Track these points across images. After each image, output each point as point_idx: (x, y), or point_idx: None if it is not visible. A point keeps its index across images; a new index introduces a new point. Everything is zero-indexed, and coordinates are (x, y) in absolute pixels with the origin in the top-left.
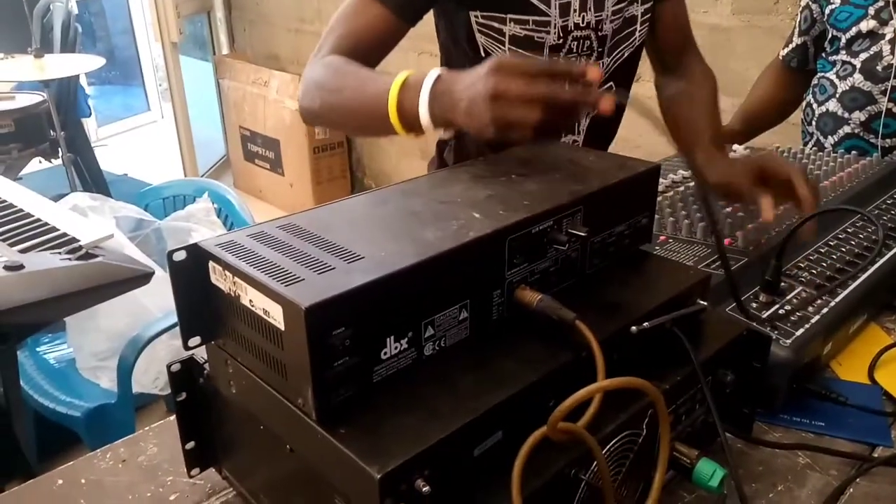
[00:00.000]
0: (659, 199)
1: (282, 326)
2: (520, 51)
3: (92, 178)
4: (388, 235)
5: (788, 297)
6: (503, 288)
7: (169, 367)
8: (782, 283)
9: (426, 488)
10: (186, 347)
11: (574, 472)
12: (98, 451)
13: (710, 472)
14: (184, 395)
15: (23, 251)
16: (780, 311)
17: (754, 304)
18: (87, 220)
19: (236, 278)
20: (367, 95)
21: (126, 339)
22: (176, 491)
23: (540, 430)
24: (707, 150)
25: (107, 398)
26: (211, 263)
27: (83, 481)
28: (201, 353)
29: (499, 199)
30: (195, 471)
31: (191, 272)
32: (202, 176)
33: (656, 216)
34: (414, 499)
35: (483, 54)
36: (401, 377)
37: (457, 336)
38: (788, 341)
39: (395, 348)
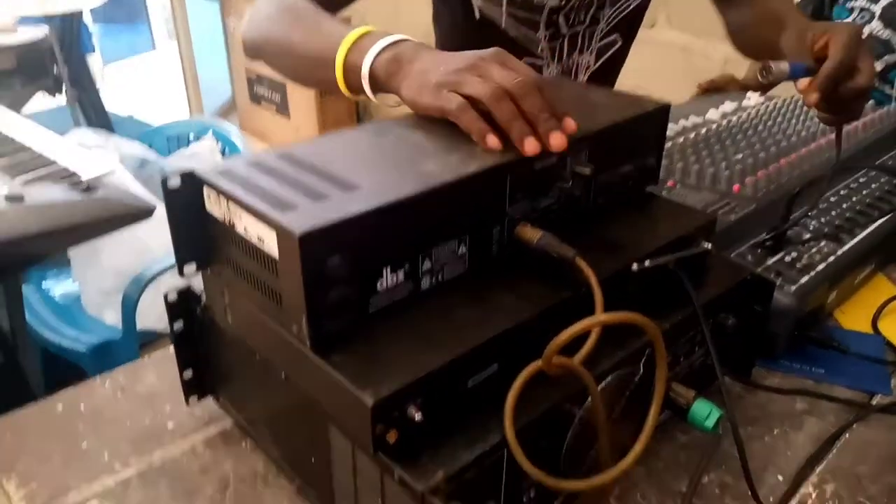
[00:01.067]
0: (669, 144)
1: (276, 254)
2: (518, 13)
3: (97, 118)
4: (388, 166)
5: (795, 245)
6: (503, 224)
7: (166, 296)
8: (790, 231)
9: (418, 416)
10: (182, 274)
11: (568, 407)
12: (97, 378)
13: (706, 412)
14: (181, 325)
15: (24, 184)
16: (787, 259)
17: (760, 251)
18: (89, 154)
19: (231, 205)
20: (318, 40)
21: (130, 277)
22: (174, 419)
23: (535, 363)
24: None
25: (112, 334)
26: (206, 190)
27: (82, 407)
28: (199, 283)
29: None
30: (193, 399)
31: (186, 199)
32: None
33: (665, 161)
34: (406, 426)
35: (477, 15)
36: (397, 309)
37: (455, 271)
38: (793, 288)
39: (392, 280)
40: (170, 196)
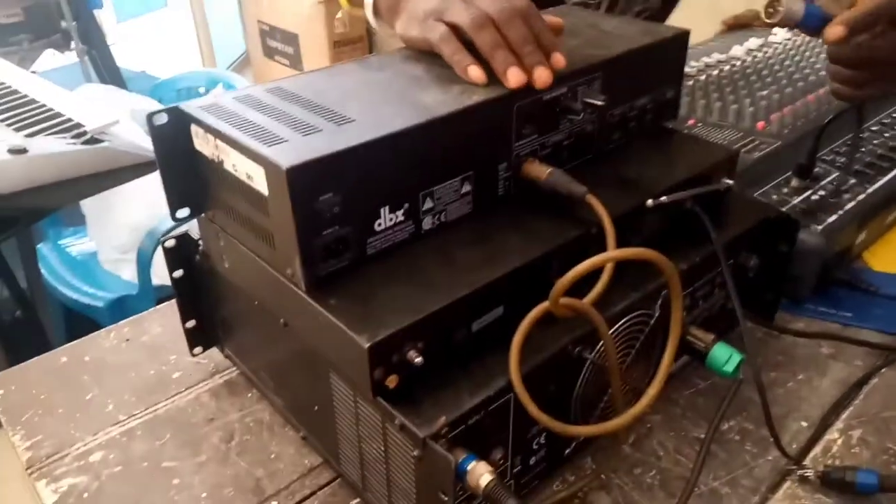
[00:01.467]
0: (690, 82)
1: (266, 191)
2: None
3: (108, 73)
4: (384, 99)
5: (822, 183)
6: (510, 160)
7: (163, 243)
8: (817, 169)
9: (418, 359)
10: (174, 219)
11: (578, 351)
12: (102, 330)
13: (725, 356)
14: (181, 273)
15: (27, 136)
16: (813, 197)
17: (785, 190)
18: (94, 105)
19: (218, 141)
20: None
21: (145, 233)
22: (179, 370)
23: (542, 304)
24: None
25: (128, 290)
26: (193, 127)
27: (87, 359)
28: (197, 230)
29: None
30: (197, 350)
31: (174, 139)
32: None
33: (686, 99)
34: (407, 371)
35: None
36: (397, 250)
37: (459, 211)
38: (819, 227)
39: (391, 220)
40: (157, 135)
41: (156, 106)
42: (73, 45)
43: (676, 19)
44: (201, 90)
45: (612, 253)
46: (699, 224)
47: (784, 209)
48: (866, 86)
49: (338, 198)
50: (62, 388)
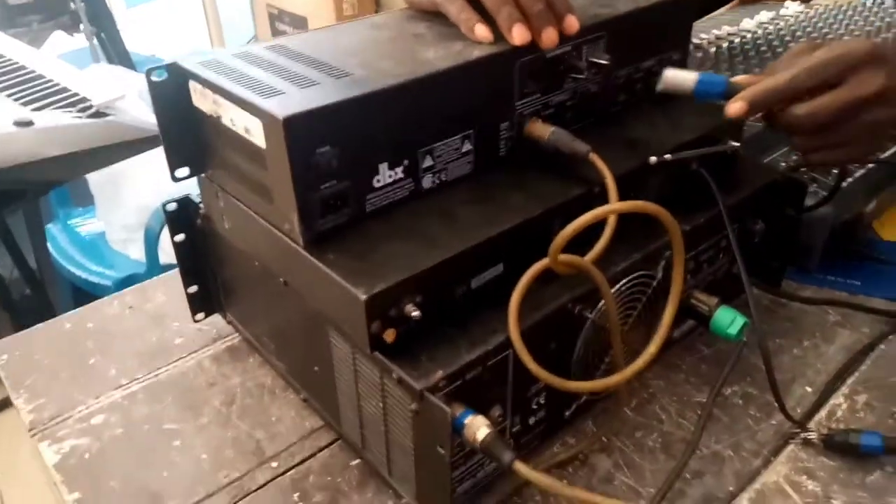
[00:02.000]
0: (700, 54)
1: (263, 144)
2: None
3: (118, 56)
4: (384, 54)
5: None
6: (512, 119)
7: (164, 206)
8: None
9: (416, 313)
10: (174, 178)
11: (579, 309)
12: (106, 298)
13: (729, 319)
14: (182, 237)
15: (34, 110)
16: None
17: (795, 157)
18: (101, 81)
19: (216, 96)
20: None
21: (152, 212)
22: (181, 336)
23: (542, 260)
24: None
25: (136, 268)
26: (191, 83)
27: (90, 325)
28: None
29: None
30: (200, 316)
31: (173, 95)
32: None
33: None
34: (405, 325)
35: None
36: (397, 208)
37: (459, 170)
38: (827, 194)
39: (390, 177)
40: (156, 92)
41: None
42: (82, 27)
43: None
44: None
45: (615, 205)
46: (705, 186)
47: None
48: (840, 147)
49: (336, 151)
50: (65, 354)
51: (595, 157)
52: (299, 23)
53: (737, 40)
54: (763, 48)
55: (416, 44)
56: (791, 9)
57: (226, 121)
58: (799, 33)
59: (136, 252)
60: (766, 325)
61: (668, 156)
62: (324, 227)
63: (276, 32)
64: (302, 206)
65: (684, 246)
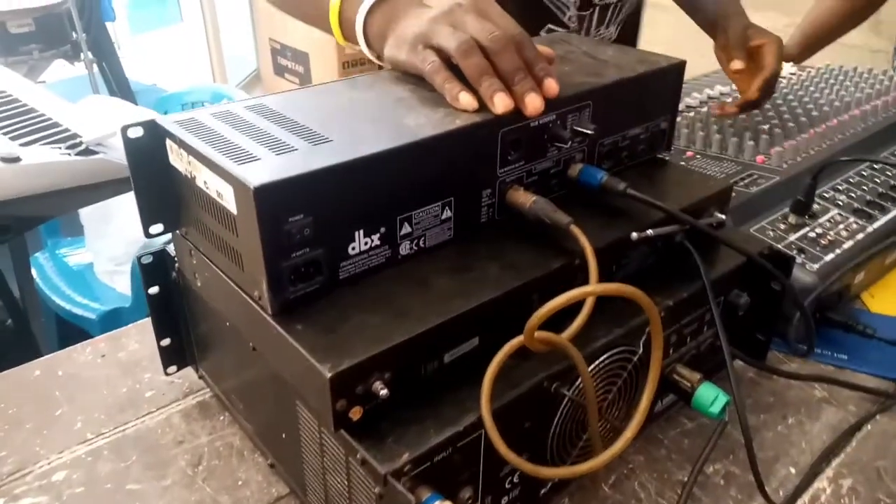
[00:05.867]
0: (691, 114)
1: (234, 209)
2: None
3: (118, 85)
4: (365, 119)
5: (821, 221)
6: (494, 187)
7: (140, 259)
8: (815, 205)
9: (384, 391)
10: (147, 235)
11: (556, 387)
12: (79, 345)
13: (711, 397)
14: (156, 289)
15: (22, 145)
16: (810, 234)
17: (782, 226)
18: (94, 117)
19: (191, 157)
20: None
21: (140, 245)
22: (152, 388)
23: (517, 338)
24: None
25: (122, 302)
26: (168, 142)
27: (60, 373)
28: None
29: None
30: (171, 369)
31: (150, 153)
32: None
33: (685, 131)
34: (372, 403)
35: None
36: (372, 275)
37: (438, 237)
38: (815, 266)
39: (366, 244)
40: (132, 148)
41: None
42: (82, 55)
43: (683, 52)
44: (206, 105)
45: (590, 287)
46: (689, 258)
47: (780, 245)
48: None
49: (309, 219)
50: (32, 402)
51: (576, 230)
52: (301, 58)
53: (729, 100)
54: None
55: (399, 108)
56: (786, 69)
57: (199, 182)
58: (790, 95)
59: (123, 285)
60: (750, 398)
61: (650, 231)
62: (294, 295)
63: (277, 67)
64: (271, 274)
65: (667, 321)
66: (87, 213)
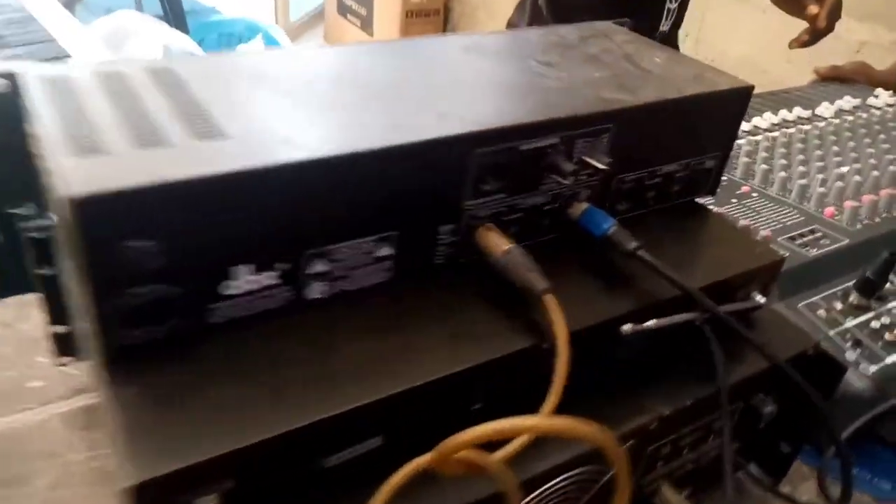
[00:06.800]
0: (758, 137)
1: (59, 214)
2: None
3: (170, 3)
4: (302, 110)
5: (890, 307)
6: (458, 223)
7: (26, 233)
8: (888, 285)
9: None
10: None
11: None
12: None
13: None
14: (46, 270)
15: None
16: (874, 324)
17: (839, 305)
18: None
19: (35, 130)
20: None
21: None
22: (41, 379)
23: (424, 457)
24: None
25: None
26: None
27: None
28: None
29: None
30: (66, 359)
31: (13, 110)
32: (294, 24)
33: (745, 159)
34: None
35: None
36: (262, 323)
37: (370, 278)
38: (872, 368)
39: (253, 283)
40: None
41: (192, 46)
42: None
43: (764, 58)
44: (242, 37)
45: (534, 420)
46: (707, 346)
47: (832, 332)
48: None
49: (161, 245)
50: None
51: (551, 302)
52: (365, 1)
53: (806, 128)
54: (834, 146)
55: (366, 99)
56: (882, 98)
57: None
58: (883, 135)
59: None
60: None
61: (651, 323)
62: (131, 341)
63: (341, 7)
64: (100, 310)
65: (656, 434)
66: None
